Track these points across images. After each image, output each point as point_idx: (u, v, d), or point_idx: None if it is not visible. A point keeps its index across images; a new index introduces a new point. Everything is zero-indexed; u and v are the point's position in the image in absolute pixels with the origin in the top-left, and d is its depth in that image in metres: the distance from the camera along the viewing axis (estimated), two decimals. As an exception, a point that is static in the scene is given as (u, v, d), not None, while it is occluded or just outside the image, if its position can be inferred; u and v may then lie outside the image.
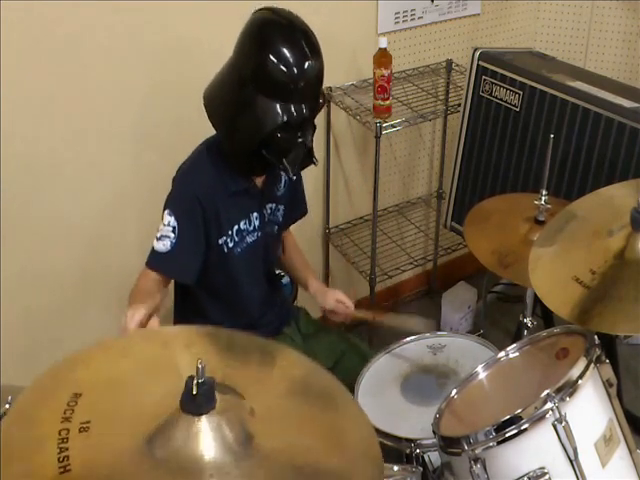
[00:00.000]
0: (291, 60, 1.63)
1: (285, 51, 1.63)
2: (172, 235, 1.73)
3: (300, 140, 1.70)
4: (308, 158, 1.77)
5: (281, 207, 1.93)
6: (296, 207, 2.03)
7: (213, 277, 1.84)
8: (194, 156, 1.83)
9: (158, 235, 1.75)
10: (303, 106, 1.66)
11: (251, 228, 1.85)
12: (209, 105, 1.76)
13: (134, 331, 1.49)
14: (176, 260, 1.75)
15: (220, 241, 1.80)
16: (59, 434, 0.99)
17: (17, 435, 1.01)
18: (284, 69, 1.63)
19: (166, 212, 1.75)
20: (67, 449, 0.97)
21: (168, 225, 1.73)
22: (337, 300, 1.97)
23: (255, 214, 1.85)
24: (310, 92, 1.68)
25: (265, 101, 1.65)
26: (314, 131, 1.76)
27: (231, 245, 1.82)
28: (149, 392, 1.08)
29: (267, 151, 1.70)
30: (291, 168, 1.72)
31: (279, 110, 1.65)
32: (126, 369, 1.14)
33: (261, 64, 1.63)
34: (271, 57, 1.62)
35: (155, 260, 1.76)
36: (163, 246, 1.74)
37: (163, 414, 1.03)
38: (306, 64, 1.64)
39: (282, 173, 1.90)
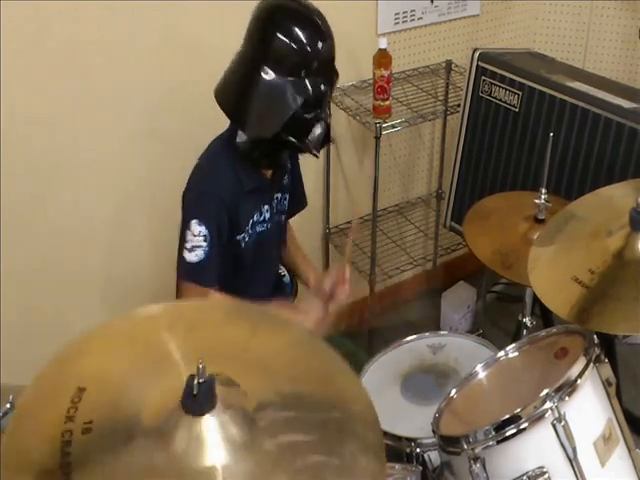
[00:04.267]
0: (304, 37, 1.64)
1: (297, 29, 1.64)
2: (204, 244, 1.70)
3: (321, 117, 1.70)
4: (327, 137, 1.77)
5: (286, 195, 1.94)
6: (297, 199, 2.04)
7: (223, 270, 1.82)
8: (211, 156, 1.80)
9: (189, 246, 1.71)
10: (321, 81, 1.67)
11: (261, 219, 1.85)
12: (223, 99, 1.74)
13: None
14: (210, 268, 1.73)
15: (238, 237, 1.80)
16: (62, 436, 0.99)
17: (22, 439, 1.01)
18: (298, 47, 1.63)
19: (194, 222, 1.70)
20: (69, 454, 0.97)
21: (199, 235, 1.70)
22: (329, 281, 1.89)
23: (266, 206, 1.85)
24: (326, 67, 1.68)
25: (283, 81, 1.65)
26: (330, 108, 1.76)
27: (247, 239, 1.82)
28: (150, 389, 1.08)
29: (290, 133, 1.69)
30: (314, 147, 1.72)
31: (299, 88, 1.65)
32: (130, 358, 1.12)
33: (275, 45, 1.64)
34: (284, 37, 1.63)
35: (190, 272, 1.73)
36: (196, 257, 1.71)
37: (164, 413, 1.03)
38: (319, 39, 1.65)
39: (288, 163, 1.90)
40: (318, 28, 1.66)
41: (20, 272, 2.17)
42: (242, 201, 1.78)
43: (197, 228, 1.70)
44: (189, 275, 1.74)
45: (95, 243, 2.30)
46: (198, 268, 1.72)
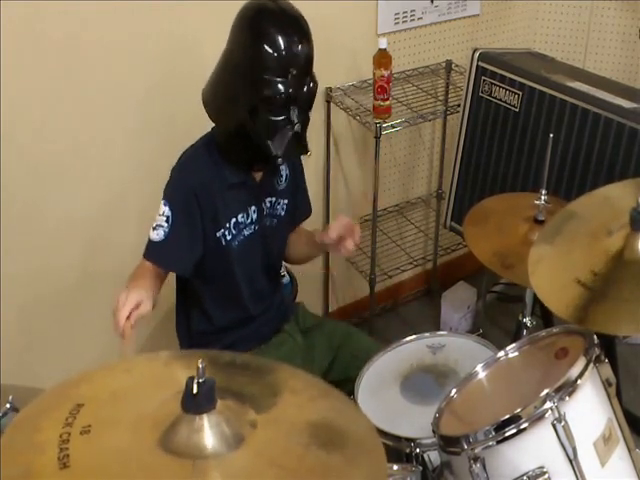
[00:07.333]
0: (275, 39, 1.63)
1: (271, 30, 1.64)
2: (165, 225, 1.74)
3: (285, 120, 1.68)
4: (299, 146, 1.75)
5: (282, 201, 1.92)
6: (299, 208, 2.02)
7: (211, 269, 1.84)
8: (192, 149, 1.83)
9: (154, 225, 1.76)
10: (288, 82, 1.65)
11: (248, 221, 1.85)
12: (206, 99, 1.77)
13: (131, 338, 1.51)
14: (169, 250, 1.76)
15: (218, 234, 1.80)
16: (60, 437, 1.00)
17: (19, 441, 1.02)
18: (275, 54, 1.64)
19: (162, 202, 1.76)
20: (67, 449, 0.98)
21: (162, 215, 1.75)
22: (336, 230, 1.85)
23: (253, 207, 1.85)
24: (298, 72, 1.66)
25: (243, 79, 1.67)
26: (307, 122, 1.74)
27: (229, 238, 1.82)
28: (150, 400, 1.09)
29: (253, 130, 1.69)
30: (275, 150, 1.70)
31: (264, 82, 1.65)
32: (128, 383, 1.15)
33: (245, 44, 1.65)
34: (256, 37, 1.64)
35: (149, 249, 1.77)
36: (157, 235, 1.75)
37: (164, 416, 1.04)
38: (295, 48, 1.65)
39: (282, 167, 1.89)
40: (291, 32, 1.65)
41: (20, 273, 2.17)
42: (222, 196, 1.79)
43: (162, 208, 1.76)
44: (148, 252, 1.78)
45: (95, 243, 2.30)
46: (157, 247, 1.76)
